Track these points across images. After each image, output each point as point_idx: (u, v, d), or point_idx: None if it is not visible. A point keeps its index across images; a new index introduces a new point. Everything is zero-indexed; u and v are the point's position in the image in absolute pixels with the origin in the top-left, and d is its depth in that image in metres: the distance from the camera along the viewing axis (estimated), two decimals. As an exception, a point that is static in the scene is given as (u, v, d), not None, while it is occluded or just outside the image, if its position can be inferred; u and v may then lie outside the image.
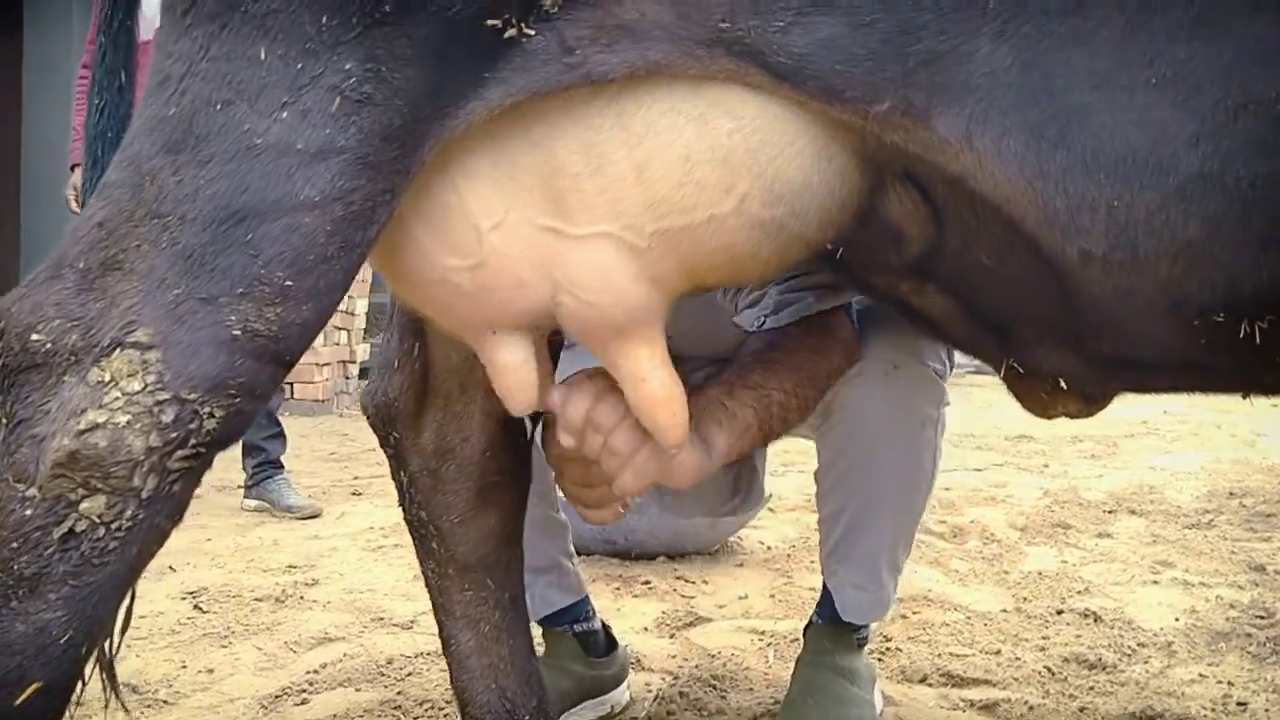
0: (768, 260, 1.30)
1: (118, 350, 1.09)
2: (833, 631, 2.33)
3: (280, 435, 4.93)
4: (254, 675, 2.63)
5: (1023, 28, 1.14)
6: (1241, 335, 1.20)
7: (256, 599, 3.21)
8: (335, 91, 1.10)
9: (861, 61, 1.15)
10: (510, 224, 1.23)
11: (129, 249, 1.11)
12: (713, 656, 2.86)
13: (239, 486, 4.89)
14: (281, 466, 4.84)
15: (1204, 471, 5.84)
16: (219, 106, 1.10)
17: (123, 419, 1.08)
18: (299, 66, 1.10)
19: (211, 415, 1.10)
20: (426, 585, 1.76)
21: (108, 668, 1.55)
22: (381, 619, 3.07)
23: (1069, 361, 1.40)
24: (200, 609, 3.12)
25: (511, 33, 1.15)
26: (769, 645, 2.94)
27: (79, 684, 1.54)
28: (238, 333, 1.10)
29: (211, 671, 2.64)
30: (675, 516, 3.72)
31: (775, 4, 1.14)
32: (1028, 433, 7.41)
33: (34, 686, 1.11)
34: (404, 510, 1.73)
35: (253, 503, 4.78)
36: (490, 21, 1.14)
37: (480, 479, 1.68)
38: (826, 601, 2.33)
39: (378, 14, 1.10)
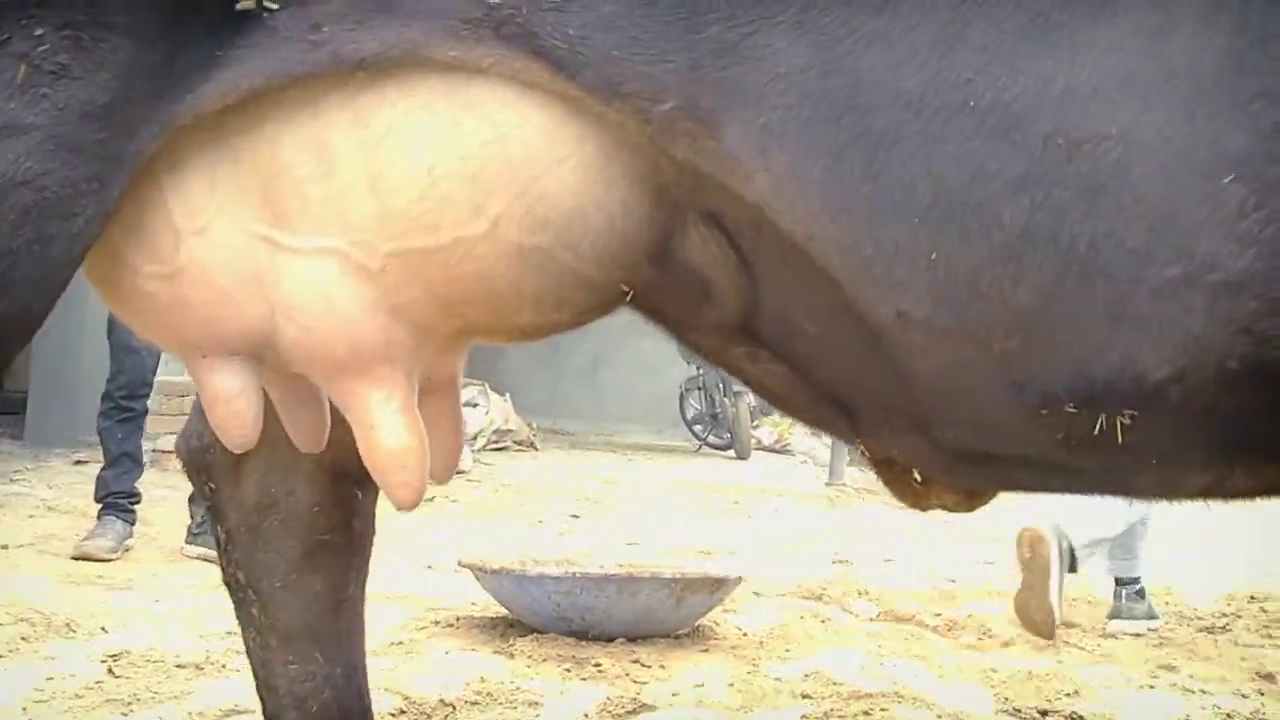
0: (538, 297, 1.13)
1: None
2: None
3: None
4: (143, 747, 2.45)
5: (823, 19, 0.96)
6: (1099, 431, 1.00)
7: (178, 664, 3.03)
8: (22, 60, 0.96)
9: (643, 47, 0.99)
10: (216, 229, 1.08)
11: None
12: (645, 749, 2.64)
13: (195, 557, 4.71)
14: None
15: (1228, 573, 5.51)
16: None
17: None
18: None
19: None
20: (248, 655, 1.58)
21: None
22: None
23: (918, 449, 1.19)
24: (113, 673, 2.94)
25: (248, 4, 1.00)
26: (712, 739, 2.72)
27: None
28: None
29: (100, 741, 2.46)
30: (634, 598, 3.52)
31: None
32: (1053, 527, 7.08)
33: None
34: (221, 569, 1.55)
35: (195, 550, 4.68)
36: None
37: (307, 538, 1.51)
38: None
39: None
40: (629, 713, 2.90)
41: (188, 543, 4.74)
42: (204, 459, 1.50)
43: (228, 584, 1.56)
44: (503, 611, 3.79)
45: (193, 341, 1.15)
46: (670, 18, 0.98)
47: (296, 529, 1.50)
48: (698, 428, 12.35)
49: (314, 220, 1.08)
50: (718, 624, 3.89)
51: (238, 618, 1.58)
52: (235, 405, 1.17)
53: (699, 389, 12.08)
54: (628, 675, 3.22)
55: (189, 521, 4.76)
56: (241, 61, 1.02)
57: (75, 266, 1.04)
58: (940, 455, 1.16)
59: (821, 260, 1.01)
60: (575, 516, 6.91)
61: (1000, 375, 1.01)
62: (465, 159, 1.06)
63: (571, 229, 1.08)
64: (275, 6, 1.01)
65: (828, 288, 1.04)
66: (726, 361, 1.27)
